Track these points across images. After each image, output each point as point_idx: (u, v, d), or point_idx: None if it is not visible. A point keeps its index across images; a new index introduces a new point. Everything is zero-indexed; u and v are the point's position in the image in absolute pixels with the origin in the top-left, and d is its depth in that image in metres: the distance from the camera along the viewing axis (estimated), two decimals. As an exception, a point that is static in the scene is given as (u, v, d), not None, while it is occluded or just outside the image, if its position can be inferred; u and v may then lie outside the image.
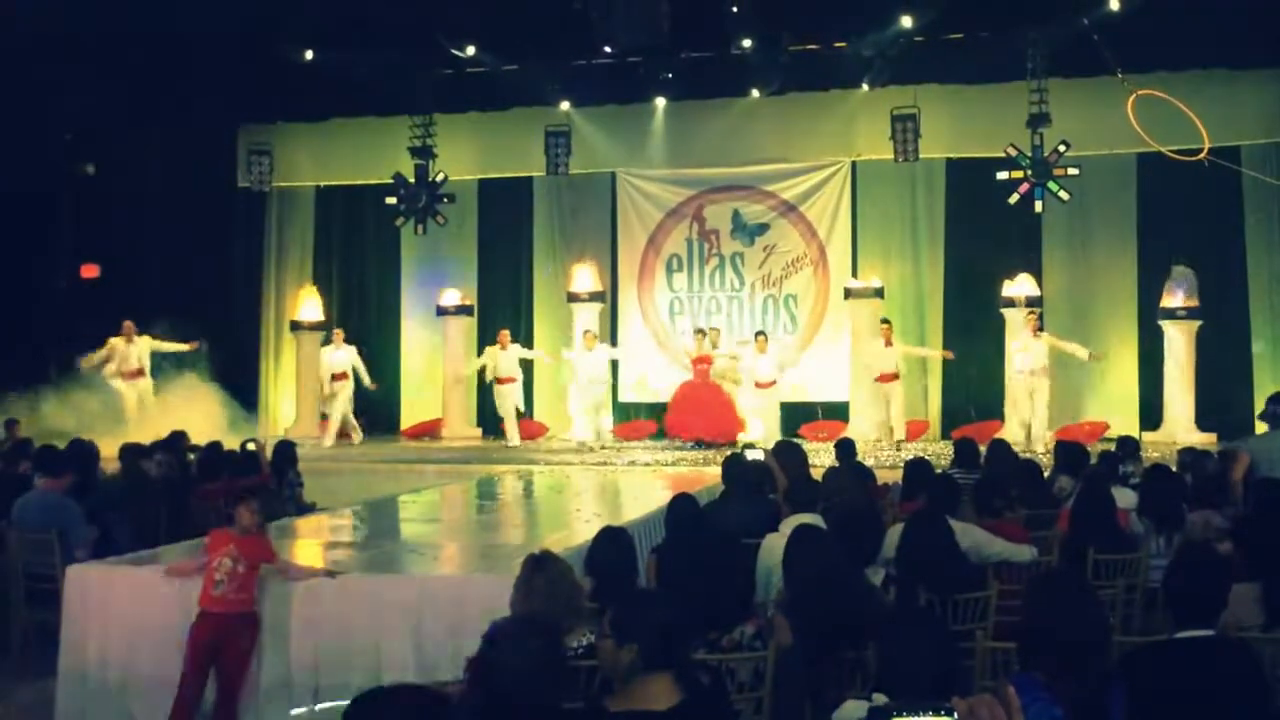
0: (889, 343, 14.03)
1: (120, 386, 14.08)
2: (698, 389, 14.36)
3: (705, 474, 10.51)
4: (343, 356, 15.12)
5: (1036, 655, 3.22)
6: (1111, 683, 3.24)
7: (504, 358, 14.80)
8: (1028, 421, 13.40)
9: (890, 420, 14.02)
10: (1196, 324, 13.96)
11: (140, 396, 14.17)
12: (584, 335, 14.78)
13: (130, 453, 9.08)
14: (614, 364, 15.46)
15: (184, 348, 14.33)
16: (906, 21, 13.55)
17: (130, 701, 5.57)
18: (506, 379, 14.77)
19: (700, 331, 14.87)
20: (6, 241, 14.01)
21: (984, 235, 14.75)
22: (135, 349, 14.23)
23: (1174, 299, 14.02)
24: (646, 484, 10.49)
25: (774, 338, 15.56)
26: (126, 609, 5.65)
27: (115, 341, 14.22)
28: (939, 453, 11.92)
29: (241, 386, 15.53)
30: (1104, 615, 3.50)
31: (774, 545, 5.64)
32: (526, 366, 15.21)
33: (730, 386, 14.48)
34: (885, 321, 14.28)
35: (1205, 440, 12.75)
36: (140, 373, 14.24)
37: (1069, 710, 2.98)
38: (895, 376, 13.98)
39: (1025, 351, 13.40)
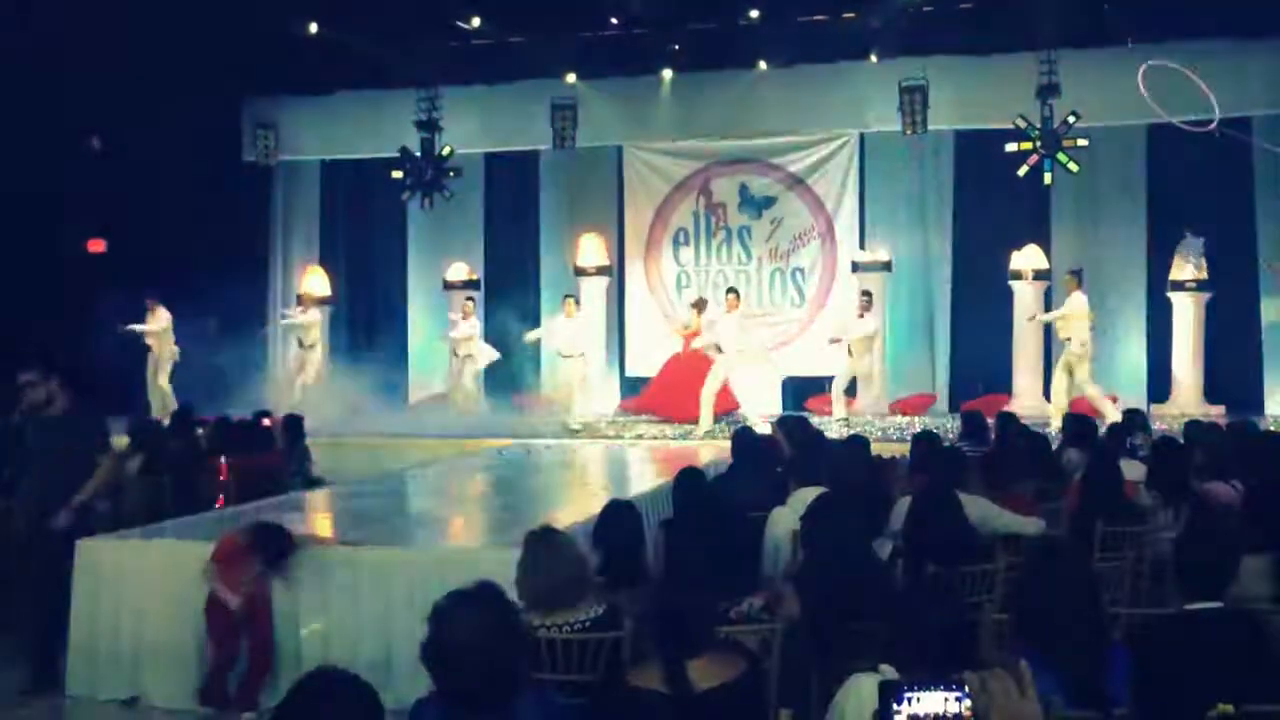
0: (861, 315, 13.59)
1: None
2: (684, 363, 14.17)
3: (715, 446, 10.52)
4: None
5: (1029, 628, 3.25)
6: (1109, 654, 3.24)
7: (464, 327, 14.81)
8: (1064, 388, 12.92)
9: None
10: (1206, 296, 13.90)
11: (155, 368, 14.42)
12: (565, 301, 14.18)
13: (142, 427, 9.12)
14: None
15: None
16: (915, -9, 13.45)
17: (141, 674, 5.61)
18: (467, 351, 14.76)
19: (697, 304, 14.61)
20: (12, 217, 13.99)
21: (992, 207, 14.67)
22: (154, 321, 14.45)
23: (1183, 271, 13.95)
24: (654, 458, 10.50)
25: (781, 311, 15.55)
26: (137, 582, 5.69)
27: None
28: (946, 426, 11.91)
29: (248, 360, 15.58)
30: (1095, 590, 3.50)
31: (781, 518, 5.66)
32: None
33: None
34: (865, 294, 14.14)
35: (1214, 412, 12.73)
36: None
37: (1067, 682, 2.99)
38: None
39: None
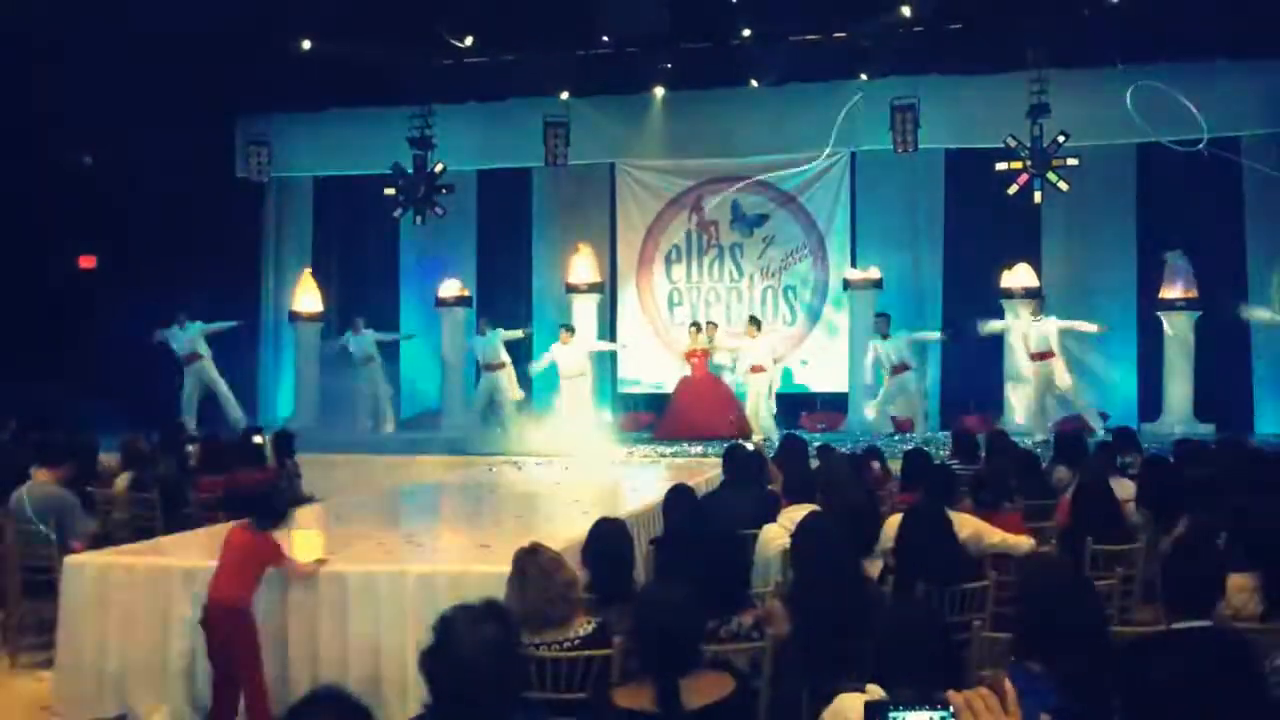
0: (885, 335, 14.05)
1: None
2: (696, 385, 14.25)
3: (704, 465, 10.50)
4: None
5: (1033, 642, 3.22)
6: (1108, 671, 3.24)
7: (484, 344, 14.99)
8: (1034, 408, 13.43)
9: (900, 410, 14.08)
10: (1195, 315, 13.94)
11: (198, 379, 14.77)
12: (561, 332, 14.78)
13: (132, 445, 9.09)
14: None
15: (229, 325, 15.05)
16: (906, 12, 13.52)
17: (128, 692, 5.57)
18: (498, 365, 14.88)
19: (695, 325, 14.78)
20: (3, 233, 13.99)
21: (983, 226, 14.71)
22: (186, 335, 14.72)
23: (1173, 290, 14.00)
24: (644, 475, 10.48)
25: (773, 329, 15.57)
26: (124, 600, 5.65)
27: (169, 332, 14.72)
28: (937, 444, 11.92)
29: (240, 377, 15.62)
30: (1098, 600, 3.50)
31: (772, 536, 5.65)
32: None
33: (729, 377, 14.48)
34: (881, 314, 14.26)
35: (1204, 431, 12.76)
36: (196, 357, 14.74)
37: (1065, 698, 2.98)
38: (906, 367, 13.99)
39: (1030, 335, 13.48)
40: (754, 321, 14.52)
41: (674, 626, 3.27)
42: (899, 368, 14.02)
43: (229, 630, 5.17)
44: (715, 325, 14.98)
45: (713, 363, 14.44)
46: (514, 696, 2.87)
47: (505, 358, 14.98)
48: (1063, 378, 13.32)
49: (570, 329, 14.77)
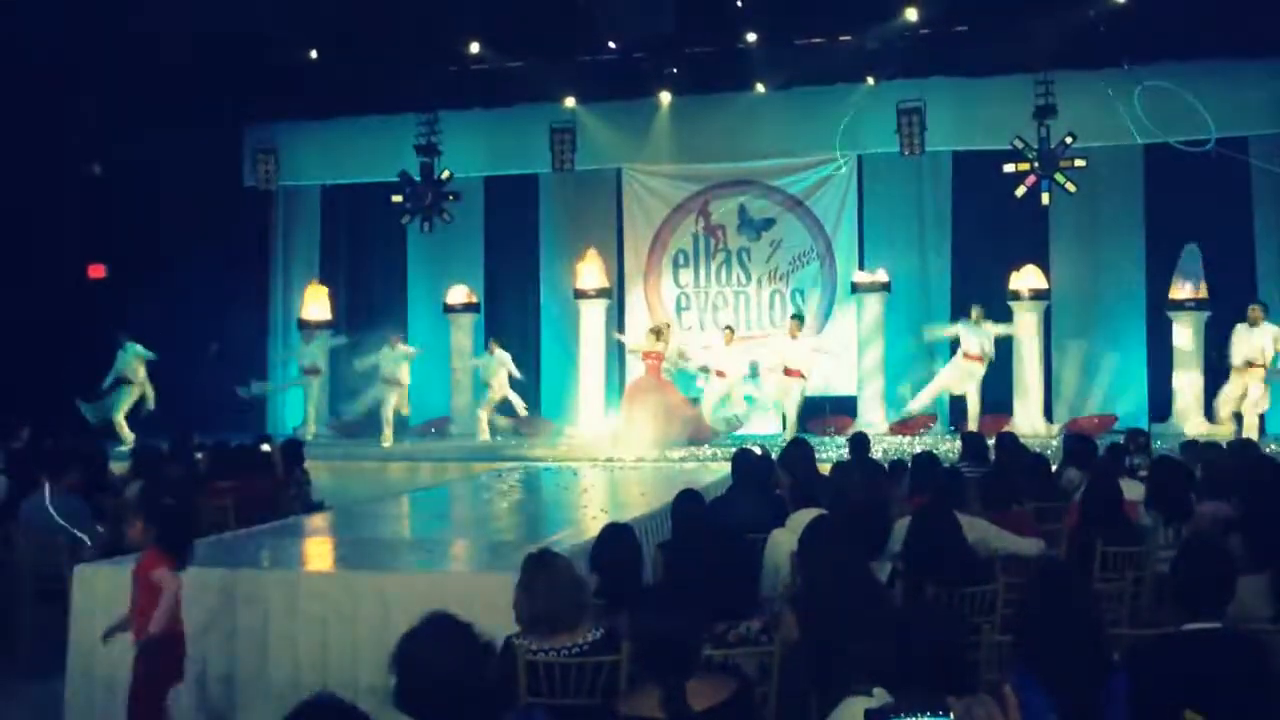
0: (794, 337, 14.18)
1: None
2: (645, 393, 13.90)
3: (713, 469, 10.50)
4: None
5: (1032, 648, 3.23)
6: (1110, 676, 3.23)
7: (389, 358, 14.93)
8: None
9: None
10: (1205, 315, 13.90)
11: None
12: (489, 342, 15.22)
13: (143, 453, 9.12)
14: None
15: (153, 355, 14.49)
16: (912, 14, 13.52)
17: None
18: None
19: (655, 331, 14.60)
20: (13, 243, 14.04)
21: (991, 228, 14.71)
22: (125, 356, 14.27)
23: (1182, 291, 13.96)
24: (653, 480, 10.48)
25: (781, 332, 15.54)
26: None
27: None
28: (947, 447, 11.90)
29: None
30: (1095, 616, 3.49)
31: (780, 540, 5.65)
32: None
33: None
34: (795, 316, 14.50)
35: (1214, 431, 12.72)
36: (127, 380, 14.30)
37: (1066, 706, 2.97)
38: (798, 373, 13.98)
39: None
40: (728, 330, 14.66)
41: (672, 631, 3.28)
42: (790, 371, 13.97)
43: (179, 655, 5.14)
44: (670, 326, 14.94)
45: (682, 370, 14.48)
46: (494, 695, 2.86)
47: (404, 377, 15.01)
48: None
49: (496, 341, 15.17)
